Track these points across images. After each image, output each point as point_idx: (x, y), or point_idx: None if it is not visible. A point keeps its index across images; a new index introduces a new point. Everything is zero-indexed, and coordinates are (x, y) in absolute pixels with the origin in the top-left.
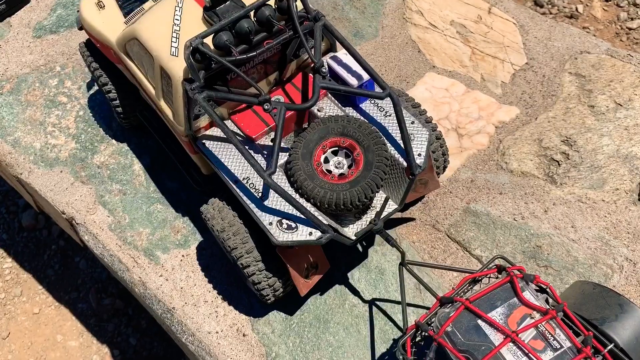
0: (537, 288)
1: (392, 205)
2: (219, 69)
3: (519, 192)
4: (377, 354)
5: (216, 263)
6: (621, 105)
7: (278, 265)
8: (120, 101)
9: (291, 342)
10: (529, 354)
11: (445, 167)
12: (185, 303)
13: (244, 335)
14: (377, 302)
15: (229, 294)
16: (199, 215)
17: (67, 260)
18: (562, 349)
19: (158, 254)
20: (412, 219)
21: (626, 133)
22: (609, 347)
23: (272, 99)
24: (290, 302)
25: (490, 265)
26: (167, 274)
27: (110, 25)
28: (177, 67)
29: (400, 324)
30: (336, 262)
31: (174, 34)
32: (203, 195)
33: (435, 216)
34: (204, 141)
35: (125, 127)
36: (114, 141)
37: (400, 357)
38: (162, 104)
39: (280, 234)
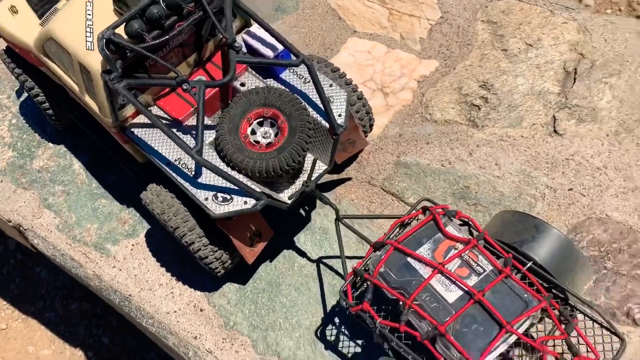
0: (461, 222)
1: (321, 167)
2: (134, 57)
3: (445, 140)
4: (329, 307)
5: (166, 247)
6: (531, 46)
7: (221, 238)
8: (49, 103)
9: (247, 309)
10: (456, 282)
11: (371, 126)
12: (141, 289)
13: (201, 310)
14: (324, 260)
15: (182, 274)
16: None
17: (27, 272)
18: (485, 272)
19: (108, 247)
20: (349, 179)
21: (538, 71)
22: (527, 265)
23: (195, 79)
24: (241, 272)
25: (417, 208)
26: (120, 264)
27: (26, 28)
28: (95, 60)
29: None
30: (281, 228)
31: (88, 29)
32: (142, 183)
33: (370, 173)
34: (132, 130)
35: (60, 129)
36: (50, 144)
37: (343, 303)
38: (87, 99)
39: (216, 207)
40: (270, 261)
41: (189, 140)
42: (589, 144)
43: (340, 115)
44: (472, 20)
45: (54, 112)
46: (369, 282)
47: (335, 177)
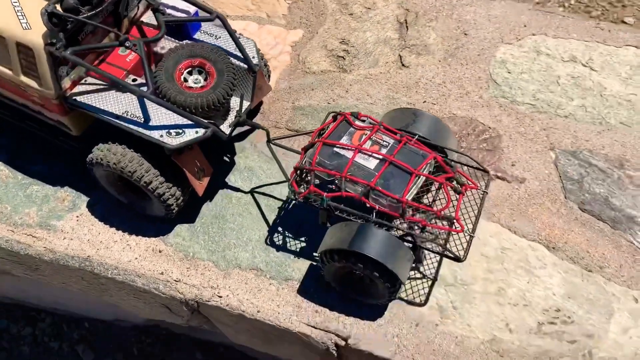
0: (363, 120)
1: (245, 102)
2: (73, 29)
3: (325, 85)
4: (270, 221)
5: (111, 210)
6: (370, 9)
7: (174, 175)
8: None
9: (202, 240)
10: (373, 154)
11: (269, 75)
12: (98, 249)
13: (160, 251)
14: (256, 190)
15: (134, 228)
16: (78, 182)
17: None
18: (390, 145)
19: (54, 223)
20: (261, 127)
21: (379, 25)
22: (416, 137)
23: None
24: (188, 215)
25: (328, 118)
26: (70, 234)
27: None
28: (35, 37)
29: (279, 197)
30: (213, 174)
31: (18, 12)
32: (78, 155)
33: (274, 119)
34: (75, 98)
35: None
36: None
37: (293, 195)
38: (24, 79)
39: (172, 141)
40: (210, 201)
41: (129, 97)
42: (428, 69)
43: (254, 57)
44: None
45: None
46: (310, 173)
47: (246, 128)
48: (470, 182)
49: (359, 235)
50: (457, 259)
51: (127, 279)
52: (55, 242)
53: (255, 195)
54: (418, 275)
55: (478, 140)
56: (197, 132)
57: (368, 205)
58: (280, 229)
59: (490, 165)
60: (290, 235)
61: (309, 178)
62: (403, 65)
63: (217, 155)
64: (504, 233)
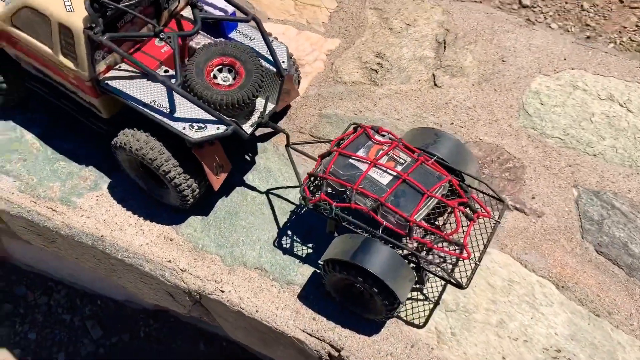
0: (383, 134)
1: (269, 105)
2: (112, 16)
3: (354, 96)
4: (281, 223)
5: (130, 194)
6: (410, 25)
7: (192, 168)
8: (4, 77)
9: (212, 234)
10: (387, 170)
11: (299, 81)
12: (112, 230)
13: (171, 239)
14: (272, 191)
15: (149, 214)
16: (103, 163)
17: None
18: (406, 163)
19: (74, 200)
20: (282, 130)
21: (417, 42)
22: (434, 158)
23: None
24: (202, 207)
25: (349, 129)
26: (87, 213)
27: None
28: (76, 19)
29: (293, 200)
30: (232, 171)
31: None
32: (106, 138)
33: (299, 124)
34: (107, 82)
35: (10, 106)
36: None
37: (303, 200)
38: (62, 59)
39: (194, 134)
40: (226, 196)
41: (159, 87)
42: (460, 92)
43: (284, 62)
44: (362, 8)
45: (8, 87)
46: (322, 181)
47: (270, 130)
48: (483, 210)
49: (362, 249)
50: (459, 286)
51: (136, 263)
52: (73, 218)
53: (270, 196)
54: (420, 296)
55: (501, 168)
56: (218, 129)
57: (376, 220)
58: (289, 232)
59: (510, 196)
60: (298, 240)
61: (322, 186)
62: (435, 84)
63: (238, 153)
64: (514, 265)
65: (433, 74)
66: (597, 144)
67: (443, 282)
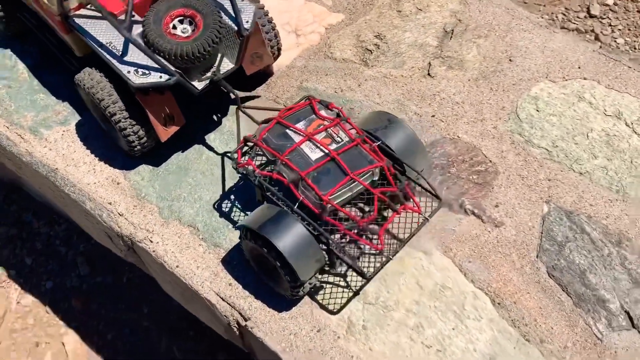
0: (332, 110)
1: (229, 64)
2: None
3: (340, 73)
4: (227, 187)
5: (93, 134)
6: (421, 10)
7: (140, 114)
8: (2, 7)
9: (157, 185)
10: (319, 146)
11: (279, 49)
12: (67, 164)
13: (118, 183)
14: (228, 154)
15: (105, 155)
16: (78, 102)
17: None
18: (342, 142)
19: (42, 131)
20: (258, 96)
21: (423, 29)
22: (377, 143)
23: None
24: (155, 158)
25: (302, 100)
26: (51, 145)
27: None
28: None
29: None
30: (195, 127)
31: None
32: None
33: (276, 93)
34: (75, 19)
35: (9, 35)
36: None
37: (232, 163)
38: None
39: (136, 79)
40: (182, 151)
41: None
42: (453, 85)
43: (247, 22)
44: None
45: (5, 15)
46: (254, 147)
47: (247, 94)
48: (415, 204)
49: (273, 221)
50: (362, 275)
51: (79, 199)
52: (36, 147)
53: (225, 159)
54: (342, 282)
55: (470, 170)
56: (161, 77)
57: (295, 195)
58: (232, 197)
59: (470, 200)
60: (238, 206)
61: (257, 151)
62: (429, 74)
63: (209, 112)
64: (452, 271)
65: (429, 63)
66: (587, 162)
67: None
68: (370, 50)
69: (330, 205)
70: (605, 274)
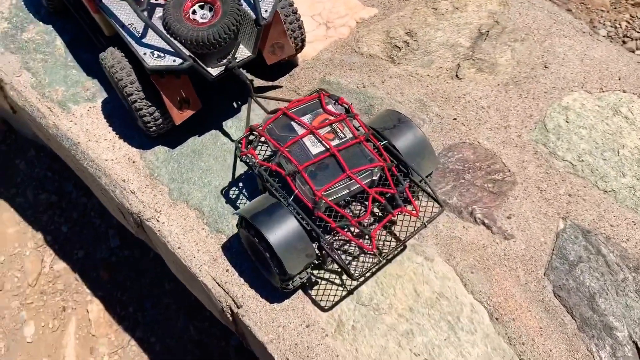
0: (342, 105)
1: (245, 52)
2: None
3: (365, 69)
4: (237, 174)
5: (117, 113)
6: (458, 9)
7: (156, 96)
8: None
9: (170, 167)
10: (321, 140)
11: (303, 40)
12: (89, 140)
13: (133, 162)
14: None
15: (125, 134)
16: (106, 79)
17: (8, 162)
18: (345, 138)
19: (70, 105)
20: (280, 86)
21: (457, 28)
22: (382, 142)
23: None
24: (172, 139)
25: (313, 93)
26: (76, 119)
27: None
28: None
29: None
30: (213, 112)
31: None
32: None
33: (298, 84)
34: (102, 0)
35: (51, 12)
36: (40, 24)
37: (236, 151)
38: None
39: (151, 61)
40: (199, 136)
41: (146, 13)
42: (480, 89)
43: (266, 12)
44: None
45: None
46: (257, 136)
47: (270, 83)
48: (413, 208)
49: (266, 211)
50: (349, 275)
51: (96, 174)
52: (63, 121)
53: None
54: (337, 280)
55: (486, 178)
56: (174, 61)
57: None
58: (240, 185)
59: (482, 208)
60: (245, 194)
61: (261, 141)
62: (457, 76)
63: (229, 98)
64: (452, 280)
65: (459, 64)
66: (613, 180)
67: (369, 273)
68: (399, 47)
69: (321, 199)
70: (616, 299)
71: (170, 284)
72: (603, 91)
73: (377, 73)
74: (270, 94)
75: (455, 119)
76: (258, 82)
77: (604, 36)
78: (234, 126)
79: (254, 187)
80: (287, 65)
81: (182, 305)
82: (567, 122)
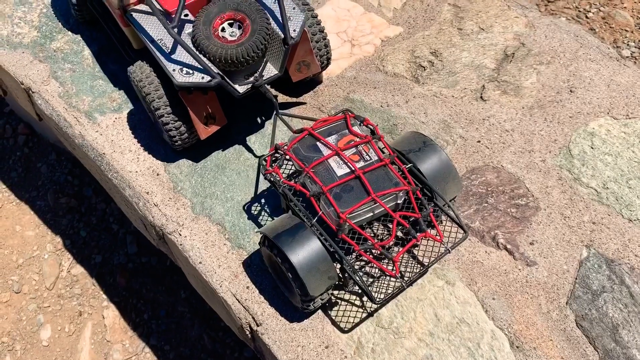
0: (368, 127)
1: (272, 70)
2: None
3: (389, 88)
4: (260, 190)
5: (142, 124)
6: (483, 30)
7: (182, 111)
8: None
9: (194, 180)
10: (347, 162)
11: (328, 59)
12: (114, 151)
13: (157, 174)
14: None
15: (150, 146)
16: (132, 90)
17: (30, 165)
18: (371, 160)
19: (96, 116)
20: (304, 103)
21: (482, 49)
22: (407, 166)
23: None
24: (196, 153)
25: (339, 113)
26: (102, 130)
27: None
28: None
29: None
30: (237, 127)
31: None
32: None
33: (321, 101)
34: (132, 13)
35: (80, 22)
36: (69, 33)
37: (262, 169)
38: None
39: (179, 77)
40: (222, 150)
41: (175, 29)
42: (505, 112)
43: (294, 31)
44: (441, 2)
45: (78, 3)
46: (283, 155)
47: (293, 100)
48: (437, 233)
49: (289, 232)
50: (371, 299)
51: (120, 185)
52: (89, 131)
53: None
54: (357, 301)
55: (509, 202)
56: (203, 78)
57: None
58: (262, 201)
59: (504, 233)
60: (267, 210)
61: (280, 159)
62: (481, 97)
63: (254, 114)
64: (474, 306)
65: (483, 86)
66: (639, 209)
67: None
68: (424, 67)
69: (345, 222)
70: None
71: (186, 292)
72: (629, 117)
73: (401, 92)
74: (294, 110)
75: (479, 142)
76: (282, 98)
77: (627, 57)
78: (257, 142)
79: (276, 204)
80: (311, 82)
81: (197, 314)
82: (592, 148)
